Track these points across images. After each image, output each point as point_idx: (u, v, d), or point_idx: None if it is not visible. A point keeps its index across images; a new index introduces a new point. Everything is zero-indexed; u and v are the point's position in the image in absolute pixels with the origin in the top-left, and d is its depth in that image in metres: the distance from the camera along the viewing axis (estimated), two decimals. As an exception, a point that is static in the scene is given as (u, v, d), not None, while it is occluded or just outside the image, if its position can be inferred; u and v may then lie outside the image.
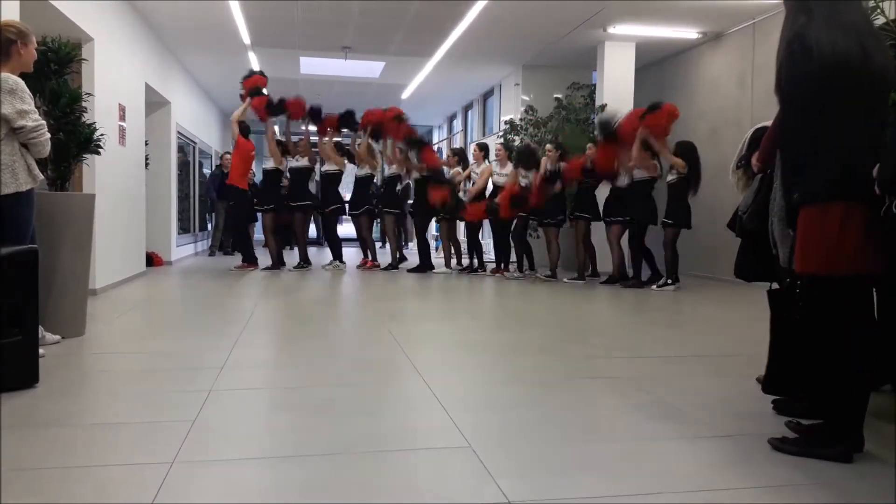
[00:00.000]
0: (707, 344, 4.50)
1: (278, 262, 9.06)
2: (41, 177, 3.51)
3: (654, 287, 7.23)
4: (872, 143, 2.19)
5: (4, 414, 2.63)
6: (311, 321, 5.10)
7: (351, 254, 10.51)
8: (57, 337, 3.93)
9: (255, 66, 10.22)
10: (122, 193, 7.15)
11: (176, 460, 2.16)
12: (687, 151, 7.10)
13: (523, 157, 8.19)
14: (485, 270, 8.85)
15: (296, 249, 9.87)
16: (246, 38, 9.12)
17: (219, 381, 3.15)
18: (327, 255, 9.66)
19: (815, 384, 2.58)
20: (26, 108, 3.33)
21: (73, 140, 4.16)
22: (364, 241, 9.40)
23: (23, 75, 3.45)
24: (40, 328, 3.50)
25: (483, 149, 8.92)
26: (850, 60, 2.18)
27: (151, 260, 8.95)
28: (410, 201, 9.51)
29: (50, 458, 2.19)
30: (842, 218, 2.21)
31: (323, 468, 2.14)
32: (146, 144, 8.36)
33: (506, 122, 10.33)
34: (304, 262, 9.03)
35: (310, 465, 2.17)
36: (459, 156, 9.14)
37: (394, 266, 9.18)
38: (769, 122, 2.73)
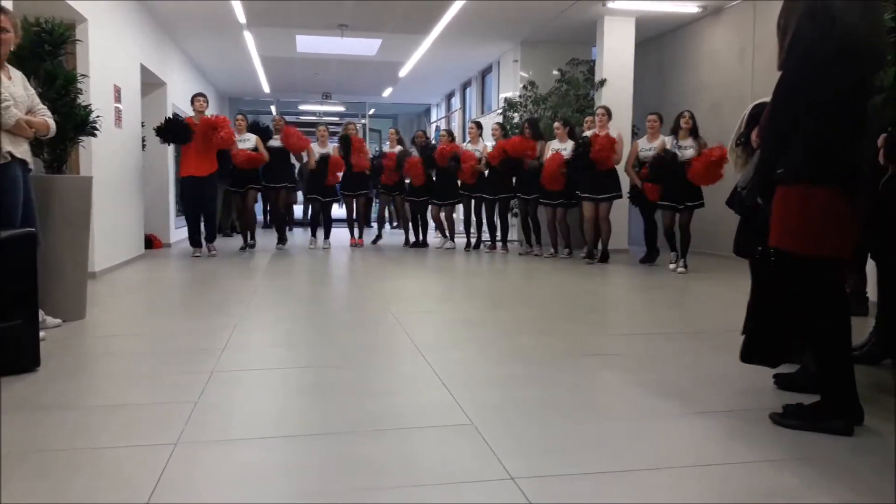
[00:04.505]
0: (707, 320, 4.51)
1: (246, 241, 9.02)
2: (7, 154, 3.36)
3: (678, 269, 6.89)
4: (863, 127, 2.19)
5: (7, 398, 2.64)
6: (312, 301, 5.10)
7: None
8: (57, 320, 3.94)
9: (251, 45, 10.01)
10: (120, 175, 7.12)
11: (179, 441, 2.18)
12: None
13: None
14: (495, 248, 8.90)
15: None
16: (241, 18, 9.01)
17: (220, 363, 3.17)
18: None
19: (787, 353, 2.56)
20: None
21: (69, 122, 4.12)
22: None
23: (19, 58, 3.41)
24: (41, 312, 3.50)
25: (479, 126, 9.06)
26: (863, 37, 2.15)
27: (150, 242, 8.93)
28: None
29: (54, 441, 2.21)
30: (825, 202, 2.21)
31: (326, 448, 2.16)
32: (143, 126, 8.30)
33: (505, 100, 10.27)
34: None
35: (313, 445, 2.18)
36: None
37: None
38: (768, 98, 2.70)
